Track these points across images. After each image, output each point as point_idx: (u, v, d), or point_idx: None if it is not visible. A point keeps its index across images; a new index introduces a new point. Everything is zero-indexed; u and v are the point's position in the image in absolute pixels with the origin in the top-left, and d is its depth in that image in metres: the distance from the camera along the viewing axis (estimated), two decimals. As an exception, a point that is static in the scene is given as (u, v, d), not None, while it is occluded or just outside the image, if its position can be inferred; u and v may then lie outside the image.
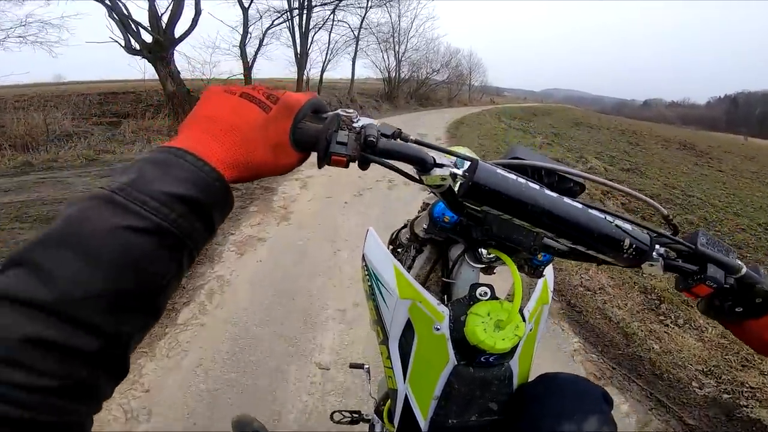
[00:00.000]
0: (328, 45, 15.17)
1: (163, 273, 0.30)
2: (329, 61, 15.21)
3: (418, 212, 0.62)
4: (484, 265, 0.55)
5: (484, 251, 0.53)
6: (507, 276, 0.52)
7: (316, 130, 0.39)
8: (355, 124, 0.41)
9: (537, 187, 0.41)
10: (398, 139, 0.42)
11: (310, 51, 13.13)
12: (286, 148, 0.38)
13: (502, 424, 0.51)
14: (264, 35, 11.48)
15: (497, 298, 0.50)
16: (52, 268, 0.25)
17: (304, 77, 13.40)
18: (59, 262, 0.26)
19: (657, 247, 0.45)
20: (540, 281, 0.57)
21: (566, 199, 0.42)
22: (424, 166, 0.41)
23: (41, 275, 0.25)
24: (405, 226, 0.64)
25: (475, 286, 0.50)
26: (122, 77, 11.43)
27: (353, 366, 1.16)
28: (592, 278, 2.82)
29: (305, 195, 4.13)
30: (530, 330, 0.52)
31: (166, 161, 0.31)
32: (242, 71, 10.67)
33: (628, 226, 0.43)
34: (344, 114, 0.41)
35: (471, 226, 0.48)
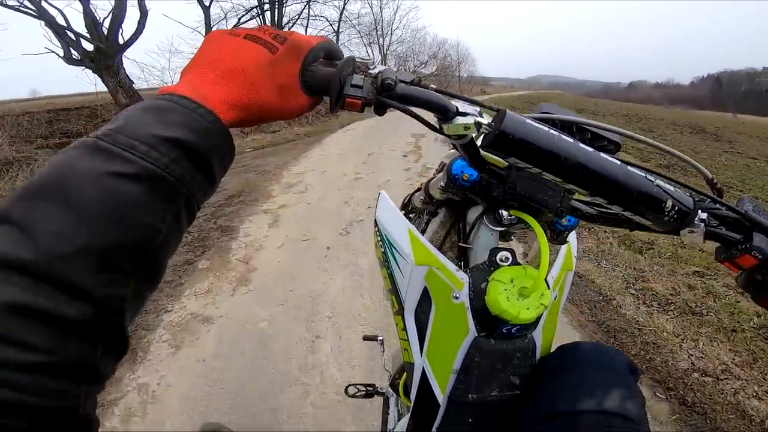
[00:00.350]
0: (306, 41, 14.42)
1: (156, 225, 0.27)
2: (306, 58, 14.50)
3: (434, 173, 0.58)
4: (504, 228, 0.51)
5: (505, 213, 0.48)
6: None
7: (328, 72, 0.38)
8: (371, 71, 0.40)
9: (570, 140, 0.39)
10: (418, 87, 0.40)
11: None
12: (295, 90, 0.37)
13: (524, 399, 0.47)
14: (231, 33, 10.67)
15: (519, 264, 0.46)
16: (33, 223, 0.23)
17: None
18: (40, 215, 0.23)
19: (699, 212, 0.41)
20: (563, 249, 0.54)
21: (603, 155, 0.39)
22: (446, 114, 0.38)
23: (22, 232, 0.23)
24: (419, 189, 0.62)
25: (495, 251, 0.47)
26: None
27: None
28: (707, 355, 1.92)
29: (275, 237, 3.14)
30: (554, 298, 0.49)
31: (159, 106, 0.29)
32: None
33: (670, 187, 0.41)
34: (360, 60, 0.41)
35: (492, 184, 0.47)
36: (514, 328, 0.45)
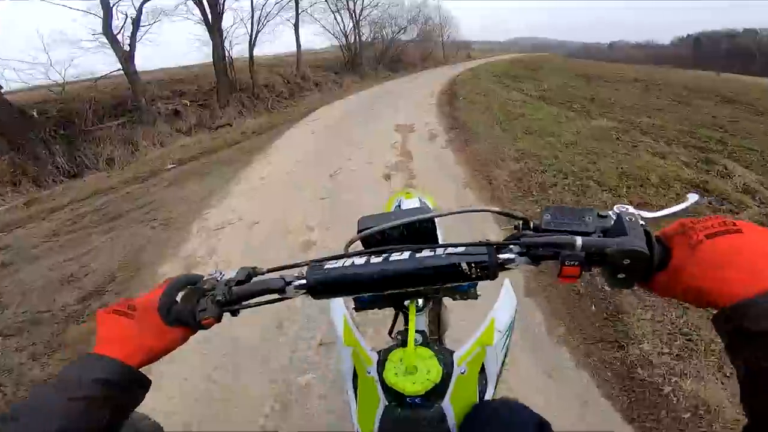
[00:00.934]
0: (252, 13, 11.53)
1: (98, 421, 0.42)
2: (258, 33, 11.76)
3: None
4: (420, 312, 0.62)
5: (406, 302, 0.62)
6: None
7: (182, 308, 0.49)
8: (220, 280, 0.51)
9: (362, 261, 0.49)
10: (256, 277, 0.51)
11: (230, 24, 10.35)
12: (166, 331, 0.49)
13: None
14: (140, 13, 8.40)
15: (429, 344, 0.55)
16: (27, 423, 0.39)
17: (227, 58, 9.95)
18: (28, 419, 0.40)
19: (512, 248, 0.46)
20: (485, 323, 0.59)
21: (393, 256, 0.48)
22: (281, 291, 0.51)
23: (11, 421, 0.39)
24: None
25: (403, 333, 0.56)
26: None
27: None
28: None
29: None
30: (463, 373, 0.53)
31: (91, 359, 0.46)
32: (121, 65, 7.87)
33: (461, 249, 0.46)
34: (209, 278, 0.52)
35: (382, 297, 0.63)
36: (417, 399, 0.49)
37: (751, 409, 0.32)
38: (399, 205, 0.94)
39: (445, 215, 0.52)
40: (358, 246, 0.55)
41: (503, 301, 0.65)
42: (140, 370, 0.47)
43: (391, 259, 0.48)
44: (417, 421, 0.50)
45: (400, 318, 0.67)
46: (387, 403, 0.51)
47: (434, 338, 0.81)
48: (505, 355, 0.63)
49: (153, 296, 0.51)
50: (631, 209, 0.44)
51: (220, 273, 0.52)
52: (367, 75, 15.21)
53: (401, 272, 0.47)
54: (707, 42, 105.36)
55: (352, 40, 15.54)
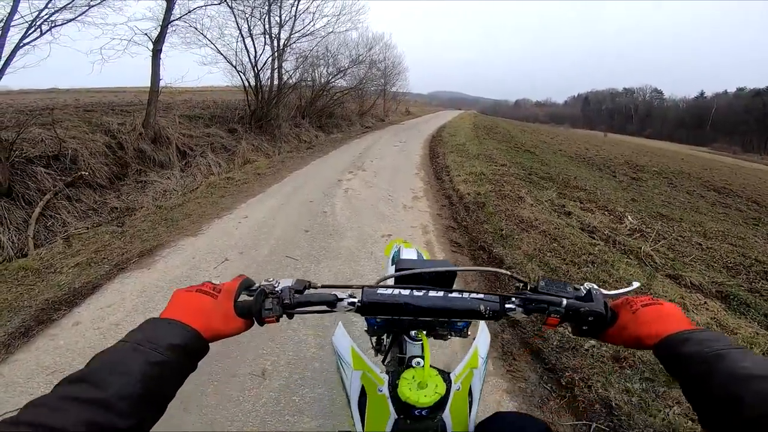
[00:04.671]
0: None
1: (171, 386, 0.48)
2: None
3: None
4: (420, 341, 0.77)
5: (413, 333, 0.76)
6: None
7: (249, 303, 0.59)
8: (277, 288, 0.61)
9: (407, 292, 0.63)
10: (309, 289, 0.63)
11: None
12: (233, 318, 0.58)
13: None
14: None
15: (432, 368, 0.66)
16: (107, 384, 0.43)
17: None
18: (108, 379, 0.43)
19: (514, 299, 0.65)
20: (470, 350, 0.75)
21: (431, 293, 0.64)
22: (330, 305, 0.64)
23: (96, 387, 0.42)
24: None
25: (411, 358, 0.68)
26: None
27: None
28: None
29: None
30: (458, 389, 0.68)
31: (166, 326, 0.52)
32: None
33: (481, 296, 0.63)
34: (266, 284, 0.62)
35: (396, 323, 0.72)
36: (423, 411, 0.62)
37: (698, 409, 0.47)
38: (398, 252, 1.15)
39: (466, 270, 0.75)
40: (390, 281, 0.71)
41: (482, 335, 0.81)
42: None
43: (430, 294, 0.63)
44: (424, 431, 0.62)
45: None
46: (397, 416, 0.63)
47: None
48: (483, 378, 0.76)
49: (233, 285, 0.61)
50: (595, 286, 0.64)
51: (276, 281, 0.63)
52: (282, 136, 9.25)
53: (436, 306, 0.62)
54: (594, 100, 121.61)
55: (266, 82, 9.50)
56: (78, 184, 5.16)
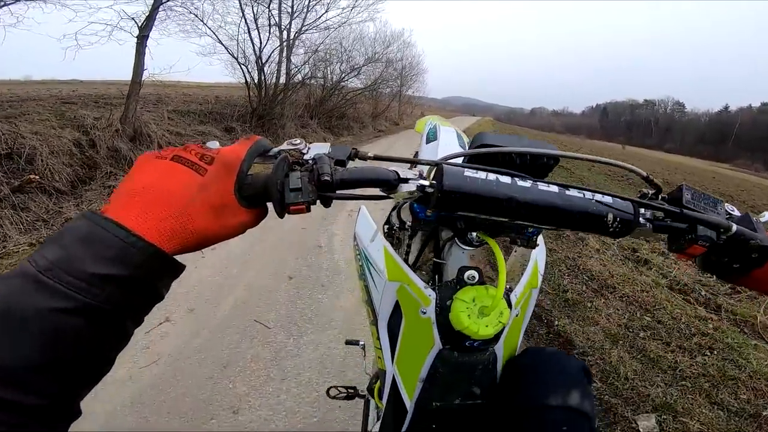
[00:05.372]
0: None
1: (101, 345, 0.30)
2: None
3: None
4: (474, 247, 0.55)
5: (474, 234, 0.53)
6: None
7: (264, 180, 0.37)
8: (306, 156, 0.40)
9: (508, 180, 0.40)
10: (354, 160, 0.42)
11: None
12: (234, 208, 0.36)
13: (484, 408, 0.51)
14: None
15: (484, 283, 0.49)
16: None
17: None
18: None
19: (643, 211, 0.44)
20: (530, 265, 0.57)
21: (541, 185, 0.41)
22: (389, 185, 0.41)
23: None
24: (395, 208, 0.63)
25: (463, 270, 0.49)
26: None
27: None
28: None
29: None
30: (516, 315, 0.52)
31: (95, 235, 0.30)
32: None
33: (608, 199, 0.42)
34: (291, 148, 0.40)
35: (455, 217, 0.49)
36: (476, 342, 0.47)
37: None
38: (436, 128, 0.82)
39: (575, 158, 0.46)
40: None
41: (540, 247, 0.61)
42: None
43: (540, 187, 0.40)
44: (472, 365, 0.49)
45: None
46: (441, 347, 0.48)
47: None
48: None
49: (238, 152, 0.38)
50: (736, 211, 0.47)
51: (306, 144, 0.41)
52: (287, 137, 8.30)
53: (549, 205, 0.40)
54: (612, 112, 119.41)
55: (270, 79, 8.53)
56: (28, 189, 4.25)
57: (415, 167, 0.44)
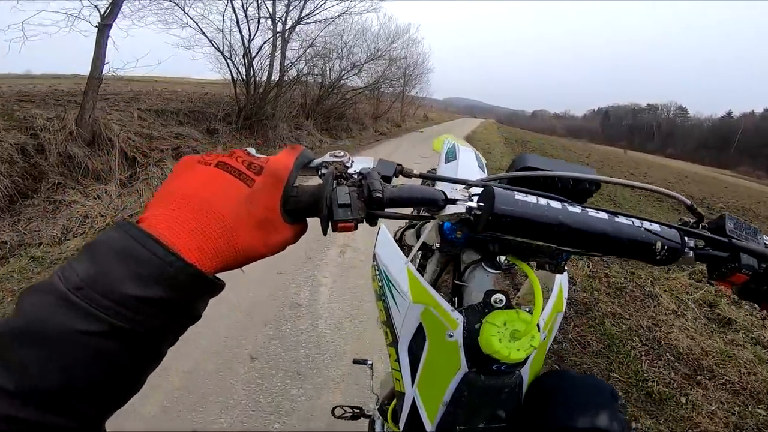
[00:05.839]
0: None
1: (133, 367, 0.28)
2: None
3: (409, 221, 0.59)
4: (502, 272, 0.54)
5: (502, 258, 0.52)
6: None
7: (312, 195, 0.36)
8: (350, 170, 0.39)
9: (559, 206, 0.39)
10: (400, 176, 0.41)
11: None
12: (277, 223, 0.34)
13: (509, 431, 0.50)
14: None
15: (512, 307, 0.48)
16: (16, 363, 0.25)
17: None
18: (22, 357, 0.25)
19: (686, 239, 0.43)
20: (555, 289, 0.55)
21: (591, 212, 0.40)
22: (437, 206, 0.41)
23: (6, 366, 0.25)
24: (411, 226, 0.64)
25: (490, 293, 0.48)
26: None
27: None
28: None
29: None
30: (543, 339, 0.50)
31: (129, 251, 0.27)
32: None
33: (656, 227, 0.41)
34: (335, 160, 0.39)
35: (488, 240, 0.48)
36: (504, 366, 0.46)
37: None
38: (455, 148, 0.77)
39: (618, 184, 0.46)
40: None
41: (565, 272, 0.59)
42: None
43: (589, 213, 0.39)
44: (498, 389, 0.48)
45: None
46: (467, 370, 0.47)
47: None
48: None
49: (287, 161, 0.35)
50: None
51: (349, 157, 0.39)
52: (278, 140, 7.36)
53: (600, 232, 0.39)
54: (614, 115, 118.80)
55: (265, 70, 7.66)
56: (-56, 205, 3.43)
57: (463, 188, 0.43)
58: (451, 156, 0.74)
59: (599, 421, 0.44)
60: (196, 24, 6.59)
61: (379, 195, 0.35)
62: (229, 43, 6.84)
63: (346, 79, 11.12)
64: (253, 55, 7.01)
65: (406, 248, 0.63)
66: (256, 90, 7.19)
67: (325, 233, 0.36)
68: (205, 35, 6.67)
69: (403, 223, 0.68)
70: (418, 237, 0.59)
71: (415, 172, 0.41)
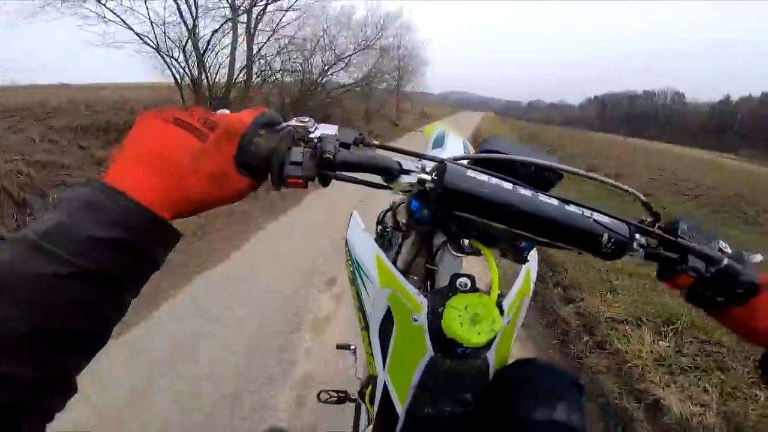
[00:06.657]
0: None
1: (98, 313, 0.30)
2: None
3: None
4: (465, 255, 0.54)
5: (466, 242, 0.53)
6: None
7: (266, 151, 0.37)
8: (312, 135, 0.40)
9: (510, 187, 0.40)
10: (360, 145, 0.42)
11: None
12: (231, 176, 0.36)
13: (476, 415, 0.51)
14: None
15: (477, 290, 0.48)
16: None
17: None
18: None
19: (637, 236, 0.44)
20: (521, 273, 0.56)
21: (542, 197, 0.41)
22: (390, 174, 0.41)
23: None
24: (391, 209, 0.65)
25: (455, 276, 0.48)
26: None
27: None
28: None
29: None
30: (508, 322, 0.52)
31: (94, 202, 0.30)
32: None
33: (606, 219, 0.42)
34: (299, 125, 0.40)
35: (449, 219, 0.49)
36: (468, 350, 0.47)
37: None
38: (444, 135, 0.77)
39: (576, 174, 0.46)
40: None
41: (532, 257, 0.59)
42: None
43: (540, 198, 0.40)
44: (464, 373, 0.49)
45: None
46: (433, 354, 0.48)
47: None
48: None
49: (242, 119, 0.37)
50: (728, 247, 0.47)
51: (314, 123, 0.40)
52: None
53: (547, 217, 0.40)
54: (611, 103, 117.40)
55: (218, 68, 6.12)
56: None
57: (419, 162, 0.43)
58: (439, 142, 0.72)
59: (560, 413, 0.45)
60: (117, 16, 5.04)
61: (329, 156, 0.37)
62: (167, 36, 5.29)
63: (331, 74, 9.58)
64: (203, 50, 5.48)
65: (387, 232, 0.65)
66: (210, 93, 5.67)
67: (277, 188, 0.38)
68: (131, 28, 5.13)
69: (386, 205, 0.68)
70: (394, 217, 0.62)
71: (375, 142, 0.42)
